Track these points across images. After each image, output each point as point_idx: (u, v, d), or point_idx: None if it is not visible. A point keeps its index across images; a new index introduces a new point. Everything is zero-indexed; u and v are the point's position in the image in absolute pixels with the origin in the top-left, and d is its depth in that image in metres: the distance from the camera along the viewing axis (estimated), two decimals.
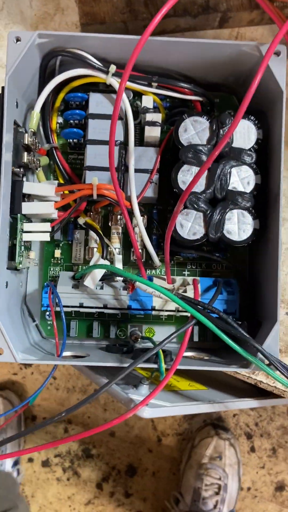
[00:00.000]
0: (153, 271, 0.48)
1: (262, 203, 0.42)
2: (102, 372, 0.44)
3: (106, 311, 0.43)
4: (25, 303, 0.46)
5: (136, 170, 0.43)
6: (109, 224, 0.46)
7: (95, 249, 0.45)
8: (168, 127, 0.47)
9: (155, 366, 0.39)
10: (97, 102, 0.44)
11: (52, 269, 0.47)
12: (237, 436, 0.85)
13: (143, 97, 0.45)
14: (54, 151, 0.46)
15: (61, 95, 0.45)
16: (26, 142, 0.41)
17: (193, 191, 0.41)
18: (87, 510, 0.86)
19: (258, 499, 0.85)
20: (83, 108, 0.45)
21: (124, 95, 0.42)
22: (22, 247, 0.41)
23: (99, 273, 0.42)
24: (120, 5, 0.47)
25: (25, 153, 0.41)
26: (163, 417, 0.84)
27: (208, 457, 0.78)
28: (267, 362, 0.37)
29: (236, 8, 0.47)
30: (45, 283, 0.45)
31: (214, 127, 0.41)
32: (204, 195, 0.41)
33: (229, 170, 0.41)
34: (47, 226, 0.42)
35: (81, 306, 0.43)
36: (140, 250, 0.44)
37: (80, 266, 0.47)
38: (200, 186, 0.41)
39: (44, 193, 0.42)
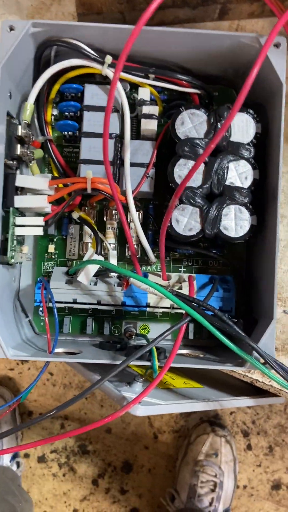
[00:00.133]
0: (149, 267, 0.47)
1: (260, 198, 0.42)
2: (95, 369, 0.43)
3: (100, 307, 0.42)
4: (18, 298, 0.45)
5: (132, 164, 0.42)
6: (104, 219, 0.45)
7: (89, 244, 0.44)
8: (165, 120, 0.46)
9: (148, 363, 0.38)
10: (93, 94, 0.43)
11: (45, 264, 0.47)
12: (234, 434, 0.84)
13: (140, 89, 0.44)
14: (49, 144, 0.45)
15: (56, 86, 0.44)
16: (20, 134, 0.40)
17: (190, 186, 0.40)
18: (82, 506, 0.86)
19: (254, 498, 0.85)
20: (79, 100, 0.44)
21: (120, 87, 0.42)
22: (15, 242, 0.41)
23: (93, 269, 0.41)
24: None
25: (19, 145, 0.41)
26: (160, 414, 0.84)
27: (204, 454, 0.78)
28: (262, 360, 0.37)
29: None
30: (38, 279, 0.44)
31: (212, 121, 0.40)
32: (200, 190, 0.40)
33: (226, 165, 0.40)
34: (40, 220, 0.42)
35: (74, 302, 0.42)
36: (135, 246, 0.43)
37: (74, 262, 0.47)
38: (196, 181, 0.40)
39: (38, 186, 0.41)
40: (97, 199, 0.44)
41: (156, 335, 0.38)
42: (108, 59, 0.40)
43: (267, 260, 0.40)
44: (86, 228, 0.44)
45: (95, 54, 0.41)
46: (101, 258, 0.42)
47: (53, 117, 0.46)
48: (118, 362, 0.36)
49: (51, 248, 0.46)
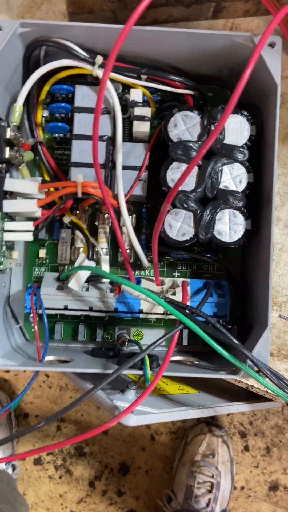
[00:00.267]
0: (142, 272, 0.46)
1: (254, 202, 0.41)
2: (87, 377, 0.43)
3: (92, 314, 0.42)
4: (8, 304, 0.45)
5: (124, 167, 0.41)
6: (96, 223, 0.44)
7: (81, 249, 0.43)
8: (158, 122, 0.45)
9: (140, 372, 0.37)
10: (84, 95, 0.42)
11: (36, 269, 0.46)
12: (231, 435, 0.84)
13: (132, 90, 0.43)
14: (39, 146, 0.44)
15: (46, 87, 0.43)
16: (8, 137, 0.39)
17: (183, 190, 0.39)
18: (79, 509, 0.86)
19: (252, 499, 0.84)
20: (70, 101, 0.43)
21: (111, 88, 0.41)
22: (4, 247, 0.40)
23: (84, 274, 0.40)
24: None
25: (7, 148, 0.40)
26: None
27: (201, 455, 0.77)
28: (256, 369, 0.36)
29: None
30: (28, 284, 0.43)
31: (205, 123, 0.39)
32: (194, 194, 0.39)
33: (220, 168, 0.39)
34: (29, 225, 0.41)
35: (65, 308, 0.41)
36: (128, 251, 0.42)
37: (66, 267, 0.46)
38: (190, 185, 0.39)
39: (27, 190, 0.40)
40: (89, 203, 0.43)
41: (150, 341, 0.37)
42: (99, 59, 0.39)
43: (262, 265, 0.39)
44: (78, 232, 0.43)
45: (85, 54, 0.40)
46: (92, 263, 0.42)
47: (43, 118, 0.45)
48: (110, 371, 0.35)
49: (42, 253, 0.45)
